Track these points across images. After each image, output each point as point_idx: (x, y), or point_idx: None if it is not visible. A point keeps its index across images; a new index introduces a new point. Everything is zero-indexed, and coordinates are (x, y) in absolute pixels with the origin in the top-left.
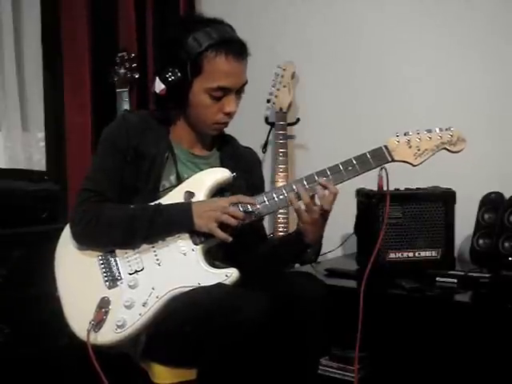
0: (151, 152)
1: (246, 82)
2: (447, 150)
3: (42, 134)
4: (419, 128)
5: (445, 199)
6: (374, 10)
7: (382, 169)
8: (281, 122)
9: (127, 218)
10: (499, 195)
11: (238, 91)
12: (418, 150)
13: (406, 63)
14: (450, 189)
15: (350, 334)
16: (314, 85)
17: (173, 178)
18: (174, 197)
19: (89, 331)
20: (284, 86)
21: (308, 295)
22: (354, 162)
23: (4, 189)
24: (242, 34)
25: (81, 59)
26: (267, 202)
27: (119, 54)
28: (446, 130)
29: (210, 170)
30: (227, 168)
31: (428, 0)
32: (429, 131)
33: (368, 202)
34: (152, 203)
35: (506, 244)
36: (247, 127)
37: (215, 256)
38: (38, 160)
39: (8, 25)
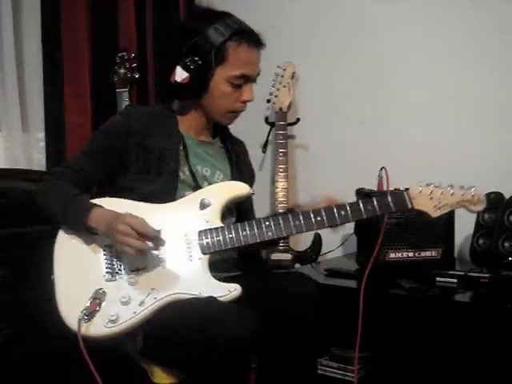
0: (161, 144)
1: (260, 72)
2: (466, 208)
3: (42, 134)
4: (418, 127)
5: None
6: (375, 10)
7: (381, 169)
8: (281, 122)
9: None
10: (499, 195)
11: (254, 80)
12: (439, 202)
13: (408, 63)
14: None
15: (350, 334)
16: (314, 85)
17: (186, 169)
18: (189, 201)
19: (80, 320)
20: (284, 86)
21: (300, 295)
22: (375, 202)
23: (4, 189)
24: None
25: (81, 59)
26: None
27: (119, 54)
28: (468, 188)
29: (232, 183)
30: (233, 154)
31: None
32: (451, 186)
33: None
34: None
35: (506, 244)
36: (247, 127)
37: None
38: (38, 160)
39: (8, 25)
